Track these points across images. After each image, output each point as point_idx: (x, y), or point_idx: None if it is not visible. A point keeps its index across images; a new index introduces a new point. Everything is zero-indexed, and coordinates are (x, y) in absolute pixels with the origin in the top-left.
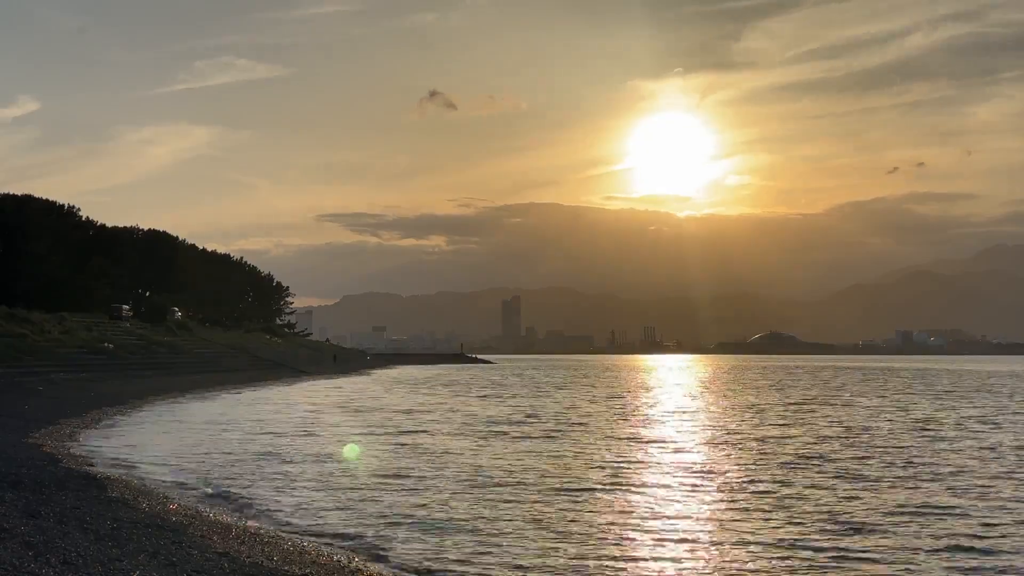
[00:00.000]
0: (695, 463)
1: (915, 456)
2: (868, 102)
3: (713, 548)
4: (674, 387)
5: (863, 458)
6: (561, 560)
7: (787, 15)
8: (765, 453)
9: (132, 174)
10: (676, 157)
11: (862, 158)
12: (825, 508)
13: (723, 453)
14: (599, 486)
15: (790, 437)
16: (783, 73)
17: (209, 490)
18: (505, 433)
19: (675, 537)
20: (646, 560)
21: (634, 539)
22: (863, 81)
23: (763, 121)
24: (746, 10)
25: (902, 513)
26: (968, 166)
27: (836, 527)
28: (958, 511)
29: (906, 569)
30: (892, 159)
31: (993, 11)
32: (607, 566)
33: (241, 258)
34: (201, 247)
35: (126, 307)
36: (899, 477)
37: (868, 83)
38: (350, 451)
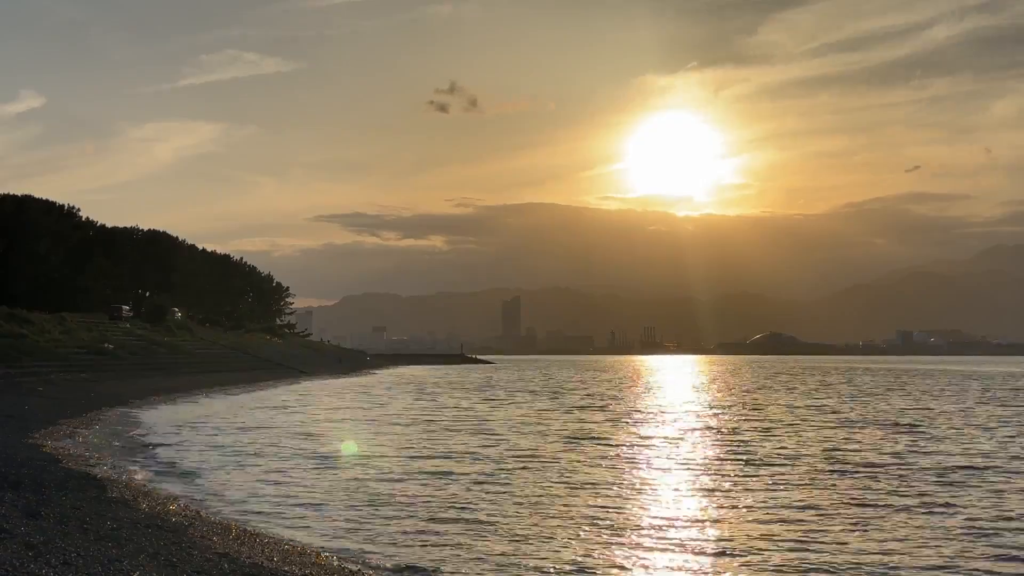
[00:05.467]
0: None
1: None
2: (886, 98)
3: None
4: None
5: None
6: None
7: (807, 6)
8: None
9: (135, 171)
10: (683, 155)
11: (877, 155)
12: None
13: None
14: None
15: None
16: (799, 67)
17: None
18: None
19: None
20: None
21: None
22: (882, 75)
23: (775, 117)
24: (765, 1)
25: None
26: (988, 164)
27: None
28: None
29: None
30: (909, 156)
31: (1020, 2)
32: None
33: (241, 258)
34: (201, 247)
35: (126, 307)
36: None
37: (887, 78)
38: (348, 448)
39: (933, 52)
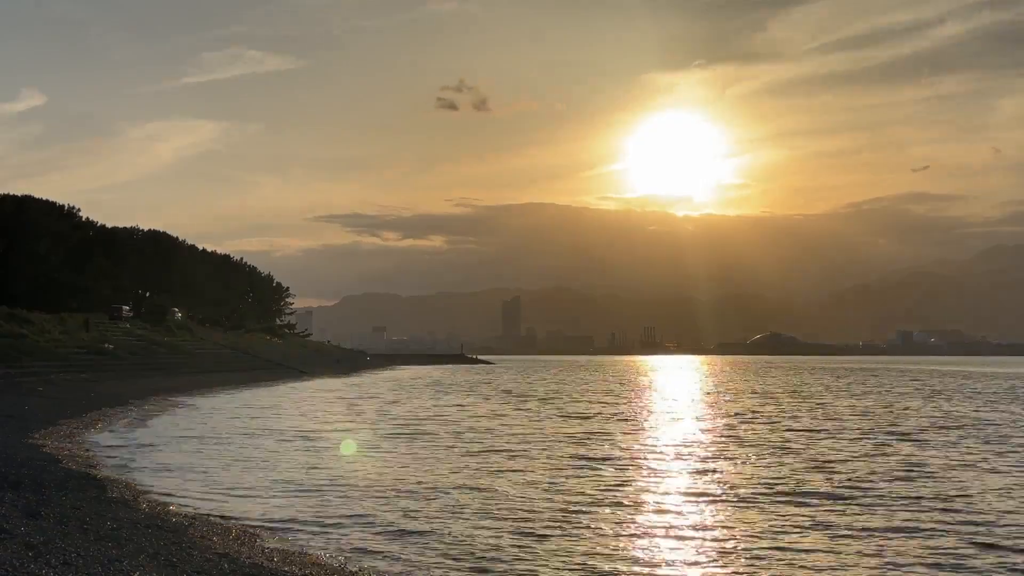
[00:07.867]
0: None
1: None
2: (892, 96)
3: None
4: None
5: None
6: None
7: (814, 2)
8: None
9: (135, 171)
10: (685, 155)
11: (880, 155)
12: None
13: None
14: None
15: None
16: (805, 65)
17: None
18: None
19: None
20: None
21: None
22: (889, 73)
23: (779, 116)
24: None
25: None
26: (995, 163)
27: None
28: None
29: None
30: (915, 156)
31: None
32: None
33: (241, 258)
34: (201, 247)
35: (126, 307)
36: None
37: (894, 75)
38: (347, 448)
39: (941, 49)
